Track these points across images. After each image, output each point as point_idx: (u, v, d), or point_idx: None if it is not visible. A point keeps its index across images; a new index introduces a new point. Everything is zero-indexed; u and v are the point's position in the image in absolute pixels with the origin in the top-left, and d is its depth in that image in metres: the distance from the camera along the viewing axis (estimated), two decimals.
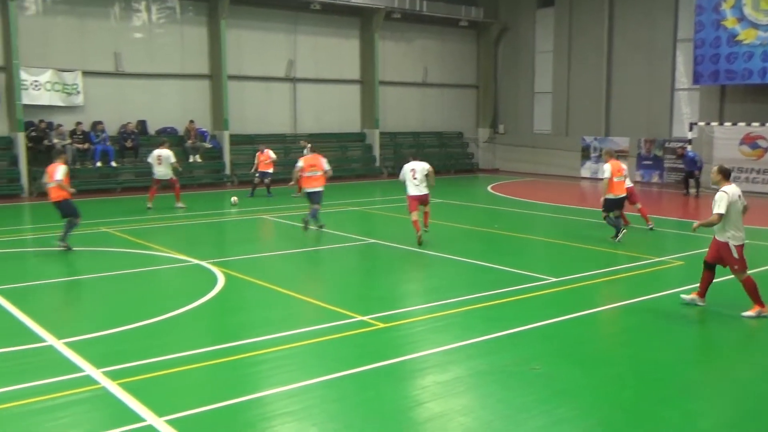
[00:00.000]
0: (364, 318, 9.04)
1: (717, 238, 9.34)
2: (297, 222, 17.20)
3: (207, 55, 26.05)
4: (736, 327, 9.04)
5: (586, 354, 8.01)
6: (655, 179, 27.29)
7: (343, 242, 14.83)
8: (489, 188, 25.74)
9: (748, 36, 23.71)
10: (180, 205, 19.23)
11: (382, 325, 8.79)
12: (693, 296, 9.70)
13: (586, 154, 29.64)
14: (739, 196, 9.18)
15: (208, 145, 25.76)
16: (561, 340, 8.47)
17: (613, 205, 14.46)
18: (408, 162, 14.63)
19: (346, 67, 29.68)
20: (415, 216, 14.21)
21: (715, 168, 9.48)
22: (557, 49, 30.99)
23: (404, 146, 31.14)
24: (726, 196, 9.08)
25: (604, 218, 14.63)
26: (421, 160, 14.73)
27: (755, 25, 23.53)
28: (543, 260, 13.58)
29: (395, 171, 29.35)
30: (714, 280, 9.60)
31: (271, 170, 22.32)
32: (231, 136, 26.29)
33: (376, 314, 9.21)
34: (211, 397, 6.60)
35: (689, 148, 24.12)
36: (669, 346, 8.40)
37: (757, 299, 9.22)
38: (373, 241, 14.73)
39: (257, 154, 22.57)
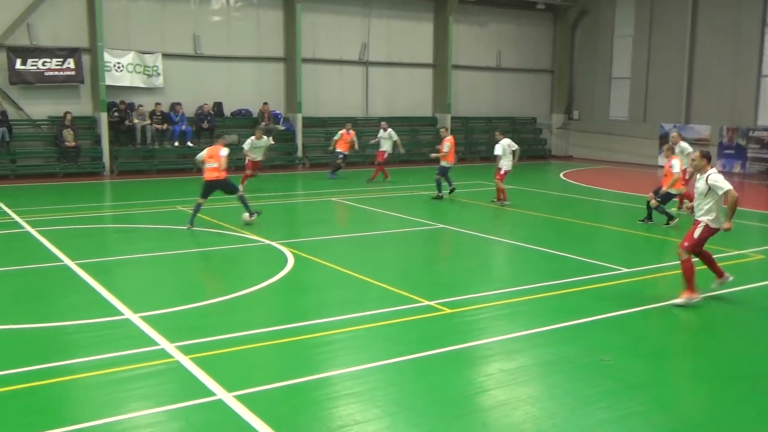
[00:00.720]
0: (431, 303, 9.05)
1: (696, 217, 9.22)
2: (365, 205, 17.31)
3: (282, 38, 26.36)
4: None
5: (657, 347, 7.82)
6: (737, 169, 26.23)
7: (412, 226, 14.84)
8: (561, 175, 25.27)
9: None
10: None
11: (448, 311, 8.78)
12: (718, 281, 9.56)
13: (664, 141, 28.70)
14: None
15: (281, 127, 26.13)
16: (631, 332, 8.29)
17: (669, 199, 14.92)
18: (502, 139, 17.56)
19: (419, 50, 29.56)
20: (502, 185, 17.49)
21: (697, 153, 9.39)
22: (637, 33, 30.07)
23: (476, 131, 30.90)
24: (722, 176, 9.05)
25: (656, 207, 14.65)
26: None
27: None
28: (615, 250, 13.28)
29: (466, 156, 29.31)
30: None
31: (347, 152, 22.48)
32: (304, 118, 26.58)
33: (443, 299, 9.20)
34: (279, 374, 6.74)
35: None
36: (746, 342, 8.11)
37: (690, 284, 9.10)
38: (442, 226, 14.70)
39: (342, 132, 22.48)
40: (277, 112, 26.35)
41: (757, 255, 12.35)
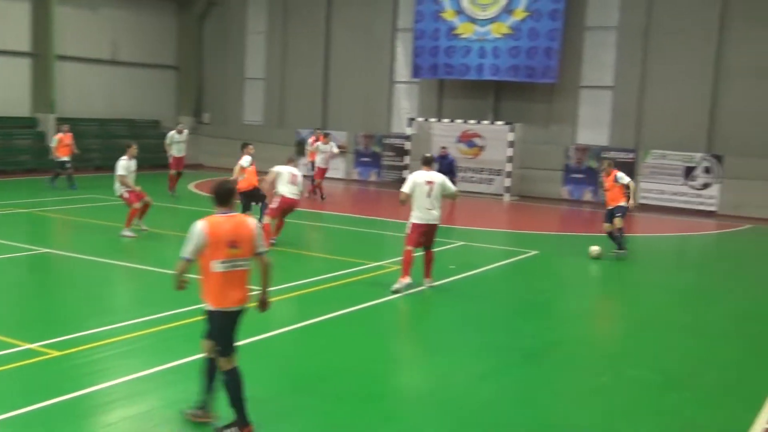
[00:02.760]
0: (33, 346, 8.44)
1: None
2: None
3: None
4: (473, 319, 9.91)
5: (300, 371, 8.24)
6: (373, 177, 28.86)
7: (5, 252, 13.64)
8: (191, 187, 25.42)
9: (465, 30, 26.16)
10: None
11: (56, 353, 8.29)
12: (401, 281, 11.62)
13: (301, 148, 30.48)
14: (427, 182, 11.44)
15: None
16: (272, 357, 8.64)
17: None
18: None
19: (11, 35, 27.39)
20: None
21: (422, 157, 11.99)
22: (271, 30, 31.54)
23: (88, 135, 29.58)
24: (412, 177, 11.66)
25: (617, 231, 15.04)
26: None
27: (473, 20, 26.01)
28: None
29: (78, 165, 27.84)
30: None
31: (67, 157, 22.42)
32: None
33: (50, 340, 8.68)
34: None
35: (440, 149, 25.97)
36: (382, 356, 8.94)
37: (406, 270, 11.58)
38: (46, 250, 13.82)
39: (59, 136, 22.44)
40: None
41: (395, 266, 13.70)
